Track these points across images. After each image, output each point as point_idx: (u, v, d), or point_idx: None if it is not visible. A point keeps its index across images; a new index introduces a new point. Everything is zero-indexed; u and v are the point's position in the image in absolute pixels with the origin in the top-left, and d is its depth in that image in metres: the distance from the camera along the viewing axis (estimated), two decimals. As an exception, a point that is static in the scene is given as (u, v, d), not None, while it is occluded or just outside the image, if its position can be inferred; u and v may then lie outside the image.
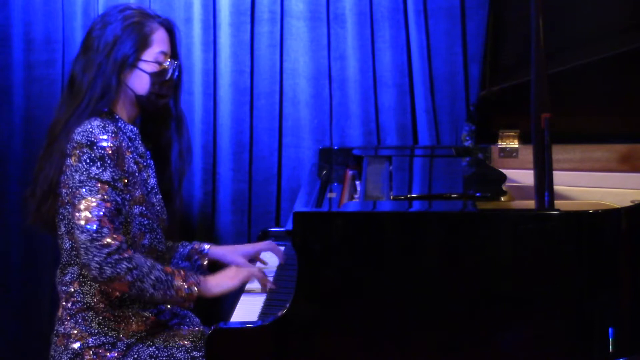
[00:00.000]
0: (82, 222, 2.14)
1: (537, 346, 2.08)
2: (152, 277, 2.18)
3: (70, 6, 3.27)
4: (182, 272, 2.25)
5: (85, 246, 2.13)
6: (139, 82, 2.33)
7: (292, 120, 3.29)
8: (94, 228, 2.13)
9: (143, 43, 2.31)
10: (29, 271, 3.36)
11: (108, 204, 2.16)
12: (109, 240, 2.13)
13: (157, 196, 2.37)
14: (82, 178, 2.17)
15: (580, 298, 2.08)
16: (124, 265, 2.13)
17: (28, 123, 3.31)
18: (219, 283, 2.30)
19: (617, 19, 2.75)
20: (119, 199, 2.20)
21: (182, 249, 2.55)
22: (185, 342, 2.28)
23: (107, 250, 2.12)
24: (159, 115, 2.43)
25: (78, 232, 2.14)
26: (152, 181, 2.36)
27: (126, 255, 2.14)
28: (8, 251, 3.36)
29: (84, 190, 2.16)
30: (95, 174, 2.17)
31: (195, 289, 2.23)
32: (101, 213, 2.14)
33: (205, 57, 3.25)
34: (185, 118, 2.48)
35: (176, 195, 2.48)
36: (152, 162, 2.39)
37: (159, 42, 2.34)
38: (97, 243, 2.12)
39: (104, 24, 2.31)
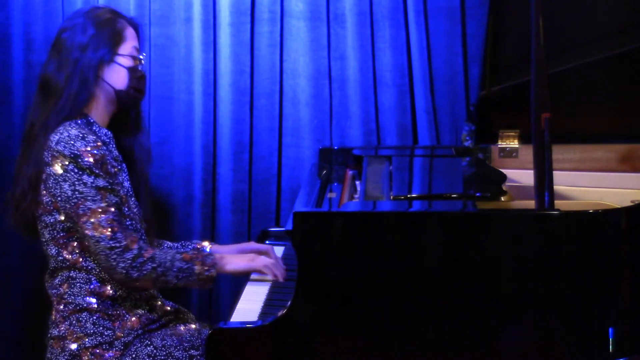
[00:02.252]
0: (96, 233, 2.19)
1: (537, 346, 2.08)
2: (175, 269, 2.25)
3: (70, 6, 3.27)
4: (200, 257, 2.30)
5: (105, 253, 2.19)
6: (118, 77, 2.35)
7: (292, 120, 3.29)
8: (108, 235, 2.19)
9: (118, 38, 2.35)
10: (29, 272, 3.35)
11: (112, 208, 2.22)
12: (127, 244, 2.20)
13: (132, 199, 2.37)
14: (79, 188, 2.20)
15: (580, 298, 2.08)
16: (149, 266, 2.21)
17: (28, 123, 3.31)
18: (231, 261, 2.36)
19: (617, 19, 2.74)
20: (118, 200, 2.23)
21: (182, 249, 2.55)
22: (183, 341, 2.29)
23: (129, 254, 2.20)
24: (122, 117, 2.42)
25: (93, 241, 2.20)
26: (127, 184, 2.36)
27: (148, 255, 2.22)
28: (8, 252, 3.36)
29: (87, 201, 2.20)
30: (91, 182, 2.20)
31: (214, 270, 2.30)
32: (110, 218, 2.20)
33: (205, 57, 3.25)
34: (143, 117, 2.49)
35: (145, 198, 2.46)
36: (125, 165, 2.39)
37: (131, 37, 2.38)
38: (117, 250, 2.19)
39: (73, 25, 2.33)
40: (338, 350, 2.09)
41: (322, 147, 3.10)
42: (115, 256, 2.18)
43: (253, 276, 2.58)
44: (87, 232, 2.20)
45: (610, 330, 2.08)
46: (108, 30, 2.33)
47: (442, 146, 3.19)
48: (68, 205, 2.21)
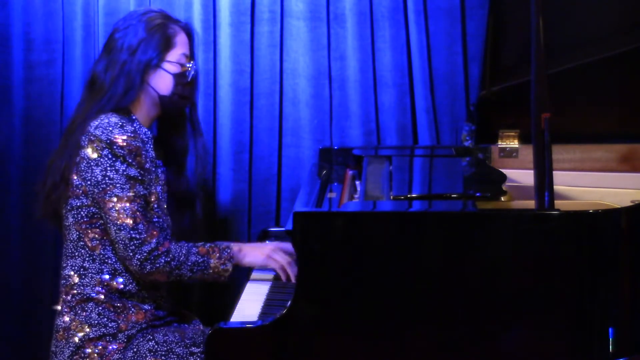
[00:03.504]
0: (118, 221, 2.22)
1: (537, 346, 2.08)
2: (189, 263, 2.27)
3: (70, 6, 3.27)
4: (216, 250, 2.31)
5: (123, 243, 2.23)
6: (163, 82, 2.38)
7: (292, 120, 3.29)
8: (130, 225, 2.22)
9: (167, 44, 2.37)
10: (29, 272, 3.36)
11: (138, 200, 2.25)
12: (146, 237, 2.23)
13: (163, 203, 2.39)
14: (110, 174, 2.23)
15: (580, 298, 2.08)
16: (162, 260, 2.24)
17: (28, 123, 3.31)
18: (249, 254, 2.36)
19: (617, 19, 2.74)
20: (146, 193, 2.27)
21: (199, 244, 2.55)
22: (185, 338, 2.29)
23: (147, 248, 2.22)
24: (176, 118, 2.46)
25: (114, 229, 2.23)
26: (159, 188, 2.38)
27: (164, 249, 2.24)
28: (8, 251, 3.36)
29: (115, 188, 2.23)
30: (123, 170, 2.23)
31: (229, 264, 2.31)
32: (134, 209, 2.23)
33: (205, 57, 3.25)
34: (199, 121, 2.51)
35: (195, 199, 2.51)
36: (159, 170, 2.40)
37: (181, 44, 2.40)
38: (135, 241, 2.22)
39: (127, 26, 2.37)
40: (338, 350, 2.09)
41: (322, 147, 3.10)
42: (133, 247, 2.22)
43: (254, 274, 2.58)
44: (110, 218, 2.23)
45: (610, 330, 2.08)
46: (158, 35, 2.36)
47: (442, 146, 3.19)
48: (96, 190, 2.24)
